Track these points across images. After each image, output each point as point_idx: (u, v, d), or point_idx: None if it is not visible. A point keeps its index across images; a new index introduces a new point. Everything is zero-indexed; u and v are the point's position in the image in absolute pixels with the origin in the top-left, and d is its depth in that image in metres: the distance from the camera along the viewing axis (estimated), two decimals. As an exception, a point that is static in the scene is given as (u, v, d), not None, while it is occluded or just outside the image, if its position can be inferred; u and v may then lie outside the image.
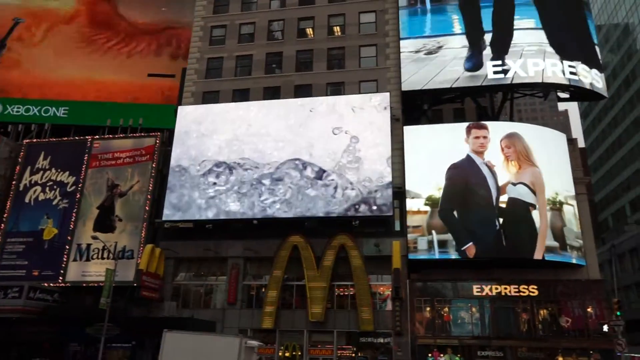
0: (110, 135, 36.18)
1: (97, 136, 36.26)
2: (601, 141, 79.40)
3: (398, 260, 28.31)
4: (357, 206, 29.89)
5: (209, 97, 36.80)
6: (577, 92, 33.36)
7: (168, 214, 32.05)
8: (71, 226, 33.37)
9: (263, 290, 30.88)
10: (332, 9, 37.76)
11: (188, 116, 34.62)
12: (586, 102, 70.40)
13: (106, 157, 35.06)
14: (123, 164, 34.60)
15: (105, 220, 33.35)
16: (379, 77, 34.76)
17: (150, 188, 33.32)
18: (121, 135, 35.90)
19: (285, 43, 37.39)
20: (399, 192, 30.49)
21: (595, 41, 34.65)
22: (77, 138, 36.80)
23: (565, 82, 31.75)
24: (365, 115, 32.06)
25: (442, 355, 26.46)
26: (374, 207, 29.65)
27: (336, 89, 35.31)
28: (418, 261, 29.05)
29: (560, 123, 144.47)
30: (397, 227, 30.39)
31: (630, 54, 69.46)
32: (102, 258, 32.14)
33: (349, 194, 30.21)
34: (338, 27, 37.21)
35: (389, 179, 30.07)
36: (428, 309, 28.79)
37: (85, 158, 35.11)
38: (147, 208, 32.82)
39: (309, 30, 37.63)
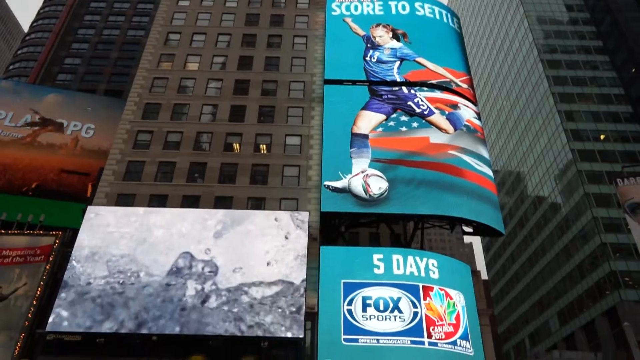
0: (2, 230, 32.81)
1: (-13, 230, 32.75)
2: (502, 275, 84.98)
3: (306, 389, 26.59)
4: (266, 326, 28.46)
5: (124, 199, 35.40)
6: (479, 227, 36.21)
7: (55, 323, 28.32)
8: None
9: (152, 420, 27.10)
10: (260, 128, 39.62)
11: (97, 217, 32.62)
12: (487, 236, 76.03)
13: (-8, 254, 31.34)
14: (11, 263, 31.00)
15: (-27, 329, 28.69)
16: (299, 196, 35.76)
17: (39, 293, 29.72)
18: (15, 232, 32.67)
19: (210, 154, 37.96)
20: (312, 313, 29.71)
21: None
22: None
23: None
24: (283, 232, 32.13)
25: None
26: (285, 328, 28.39)
27: (257, 203, 35.61)
28: (327, 390, 27.44)
29: (466, 254, 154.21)
30: (308, 351, 29.03)
31: (522, 198, 78.21)
32: (-41, 375, 27.05)
33: (259, 313, 28.87)
34: (264, 146, 38.74)
35: (302, 299, 29.39)
36: None
37: (-33, 253, 31.16)
38: (29, 315, 28.90)
39: (236, 145, 38.75)
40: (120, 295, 29.28)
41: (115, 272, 30.18)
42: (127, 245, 31.29)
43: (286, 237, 31.82)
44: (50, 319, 28.39)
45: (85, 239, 31.46)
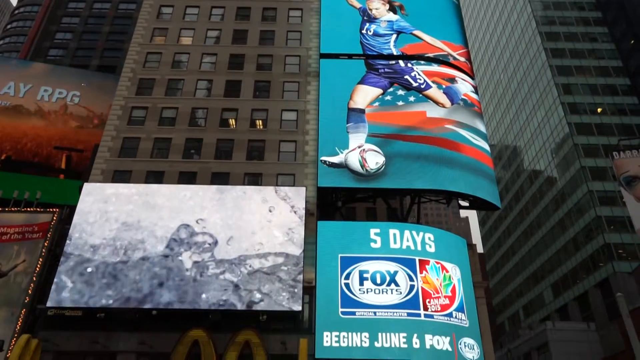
0: (-1, 208, 32.84)
1: (-16, 208, 32.71)
2: (497, 248, 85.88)
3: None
4: (265, 300, 28.83)
5: (120, 176, 35.31)
6: (476, 201, 36.39)
7: (55, 299, 28.61)
8: None
9: (154, 391, 27.71)
10: (256, 103, 39.28)
11: (94, 194, 32.60)
12: (483, 211, 76.59)
13: (-10, 232, 31.42)
14: (9, 240, 31.11)
15: (-26, 305, 28.98)
16: (296, 171, 35.74)
17: (38, 269, 29.94)
18: (12, 209, 32.67)
19: (206, 130, 37.71)
20: (310, 287, 30.08)
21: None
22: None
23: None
24: (280, 207, 32.26)
25: None
26: (283, 302, 28.78)
27: (254, 179, 35.60)
28: (325, 361, 28.01)
29: (462, 229, 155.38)
30: (306, 324, 29.52)
31: (519, 172, 78.44)
32: (-38, 350, 27.39)
33: (258, 287, 29.21)
34: (260, 121, 38.49)
35: (300, 273, 29.70)
36: (333, 414, 27.30)
37: (-36, 231, 31.22)
38: (30, 292, 29.18)
39: (232, 121, 38.49)
40: (120, 266, 29.53)
41: (113, 244, 30.39)
42: (125, 217, 31.42)
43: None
44: (51, 295, 28.64)
45: (84, 216, 31.51)
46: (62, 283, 28.99)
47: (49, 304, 28.47)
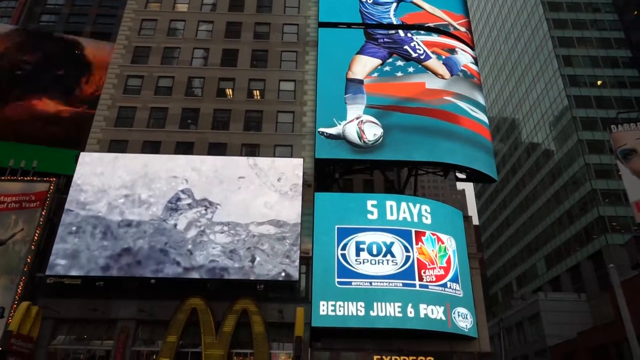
0: (-4, 177, 32.72)
1: (-20, 176, 32.60)
2: (492, 220, 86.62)
3: (301, 328, 27.60)
4: (262, 269, 29.18)
5: (117, 146, 35.11)
6: (473, 174, 36.46)
7: (54, 267, 28.89)
8: None
9: (154, 357, 28.29)
10: (254, 73, 38.74)
11: (91, 163, 32.50)
12: (480, 183, 76.76)
13: (-13, 201, 31.41)
14: (7, 209, 31.14)
15: (-25, 273, 29.23)
16: (294, 142, 35.59)
17: (36, 238, 30.10)
18: (8, 178, 32.56)
19: (203, 100, 37.33)
20: (307, 258, 30.42)
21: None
22: (-47, 177, 32.81)
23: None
24: (277, 178, 32.29)
25: None
26: (280, 272, 29.14)
27: (251, 150, 35.47)
28: (322, 329, 28.57)
29: (458, 201, 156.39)
30: (303, 294, 29.99)
31: (516, 144, 78.39)
32: (-36, 316, 27.80)
33: (255, 257, 29.52)
34: (258, 91, 38.07)
35: (297, 243, 29.98)
36: (328, 380, 28.07)
37: (-39, 199, 31.20)
38: (29, 260, 29.41)
39: (229, 91, 38.05)
40: (119, 231, 29.73)
41: (112, 209, 30.63)
42: (124, 183, 31.63)
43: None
44: (50, 263, 28.89)
45: (82, 185, 31.51)
46: (60, 252, 29.21)
47: (47, 272, 28.75)
